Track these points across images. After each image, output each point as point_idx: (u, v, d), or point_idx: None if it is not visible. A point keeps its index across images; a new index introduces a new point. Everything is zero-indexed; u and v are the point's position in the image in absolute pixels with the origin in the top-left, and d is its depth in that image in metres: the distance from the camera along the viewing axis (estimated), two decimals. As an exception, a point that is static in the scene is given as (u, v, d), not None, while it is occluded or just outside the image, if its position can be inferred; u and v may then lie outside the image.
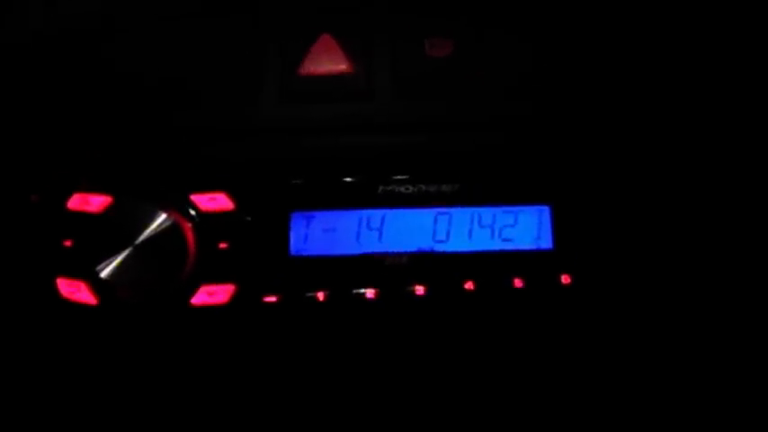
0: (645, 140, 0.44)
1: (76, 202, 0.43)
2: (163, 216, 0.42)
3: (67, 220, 0.43)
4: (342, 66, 0.45)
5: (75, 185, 0.44)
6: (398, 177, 0.44)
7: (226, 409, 0.44)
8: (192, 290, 0.43)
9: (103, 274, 0.41)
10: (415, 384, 0.44)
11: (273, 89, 0.45)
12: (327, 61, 0.45)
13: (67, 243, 0.43)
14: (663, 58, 0.45)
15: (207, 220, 0.43)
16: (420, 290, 0.44)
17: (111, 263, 0.41)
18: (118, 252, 0.41)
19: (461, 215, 0.44)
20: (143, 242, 0.42)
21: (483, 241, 0.44)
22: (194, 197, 0.43)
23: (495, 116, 0.45)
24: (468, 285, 0.44)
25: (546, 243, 0.44)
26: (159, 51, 0.45)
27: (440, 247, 0.44)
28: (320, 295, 0.43)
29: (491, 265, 0.44)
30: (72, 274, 0.43)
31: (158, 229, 0.42)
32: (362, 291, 0.43)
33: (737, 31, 0.44)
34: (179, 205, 0.43)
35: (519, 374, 0.45)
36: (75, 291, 0.43)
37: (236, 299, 0.43)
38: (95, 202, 0.43)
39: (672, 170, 0.44)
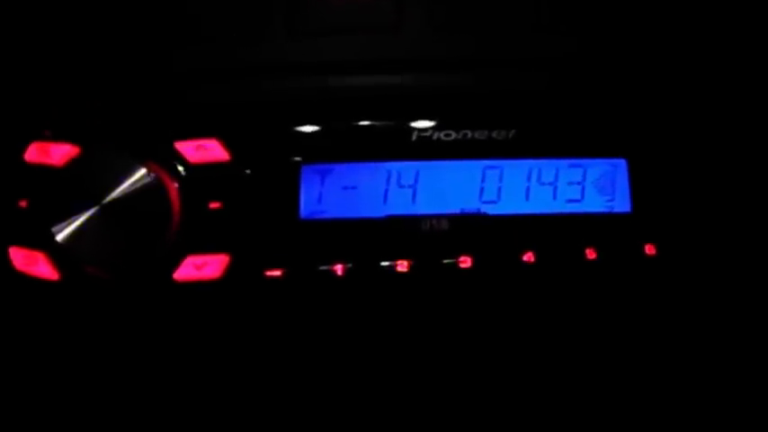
0: (737, 82, 0.40)
1: (35, 152, 0.38)
2: (140, 170, 0.37)
3: (23, 174, 0.38)
4: None
5: (34, 133, 0.39)
6: (436, 122, 0.39)
7: (215, 406, 0.39)
8: (176, 262, 0.38)
9: (60, 238, 0.36)
10: (460, 382, 0.39)
11: (281, 19, 0.40)
12: None
13: (23, 203, 0.38)
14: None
15: (195, 174, 0.38)
16: (465, 262, 0.38)
17: (71, 227, 0.36)
18: (80, 213, 0.36)
19: (516, 169, 0.39)
20: (115, 201, 0.36)
21: (543, 202, 0.39)
22: (180, 145, 0.38)
23: (553, 52, 0.40)
24: (527, 257, 0.38)
25: (623, 205, 0.39)
26: None
27: (489, 209, 0.39)
28: (338, 268, 0.38)
29: (554, 231, 0.39)
30: (28, 242, 0.38)
31: (134, 186, 0.37)
32: (392, 263, 0.38)
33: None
34: (160, 156, 0.38)
35: (595, 366, 0.40)
36: (31, 263, 0.38)
37: (230, 273, 0.38)
38: (58, 153, 0.38)
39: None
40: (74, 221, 0.36)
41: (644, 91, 0.40)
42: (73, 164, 0.37)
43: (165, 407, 0.39)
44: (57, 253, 0.37)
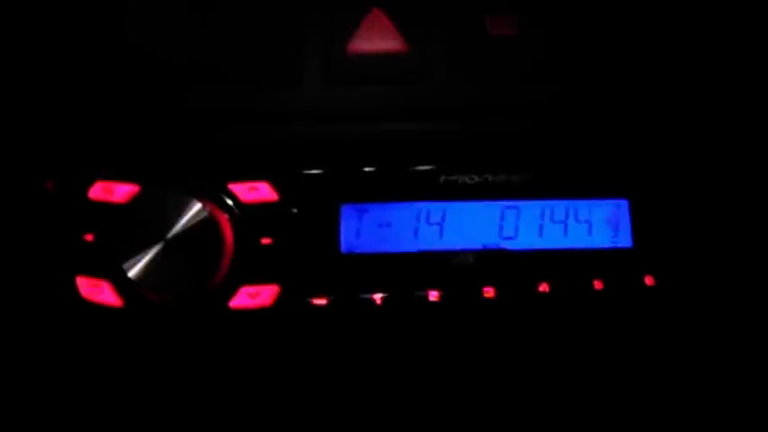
0: (731, 129, 0.42)
1: (99, 191, 0.40)
2: (197, 207, 0.38)
3: (89, 211, 0.40)
4: (394, 44, 0.42)
5: (98, 173, 0.40)
6: (461, 166, 0.41)
7: (268, 423, 0.41)
8: (231, 291, 0.39)
9: (131, 273, 0.38)
10: (486, 395, 0.41)
11: (318, 69, 0.42)
12: (378, 38, 0.42)
13: (88, 237, 0.40)
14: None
15: (247, 213, 0.40)
16: (489, 292, 0.40)
17: (139, 260, 0.38)
18: (146, 248, 0.38)
19: (531, 209, 0.41)
20: (175, 237, 0.38)
21: (555, 238, 0.41)
22: (233, 186, 0.40)
23: (565, 101, 0.42)
24: (543, 287, 0.40)
25: (625, 241, 0.41)
26: (194, 28, 0.42)
27: (508, 245, 0.41)
28: (377, 298, 0.40)
29: (566, 264, 0.41)
30: (94, 272, 0.39)
31: (192, 223, 0.38)
32: (424, 293, 0.40)
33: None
34: (216, 195, 0.40)
35: (603, 384, 0.42)
36: (97, 291, 0.39)
37: (280, 301, 0.39)
38: (120, 192, 0.40)
39: (763, 158, 0.42)
40: (141, 254, 0.38)
41: (644, 139, 0.42)
42: (134, 201, 0.39)
43: (222, 424, 0.41)
44: (121, 282, 0.39)
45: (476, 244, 0.41)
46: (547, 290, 0.40)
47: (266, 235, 0.40)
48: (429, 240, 0.40)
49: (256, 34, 0.42)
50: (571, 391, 0.41)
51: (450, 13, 0.42)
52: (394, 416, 0.41)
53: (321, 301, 0.40)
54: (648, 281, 0.41)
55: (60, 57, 0.41)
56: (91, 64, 0.41)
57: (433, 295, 0.40)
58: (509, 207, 0.41)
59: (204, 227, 0.38)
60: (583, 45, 0.42)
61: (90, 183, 0.40)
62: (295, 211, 0.40)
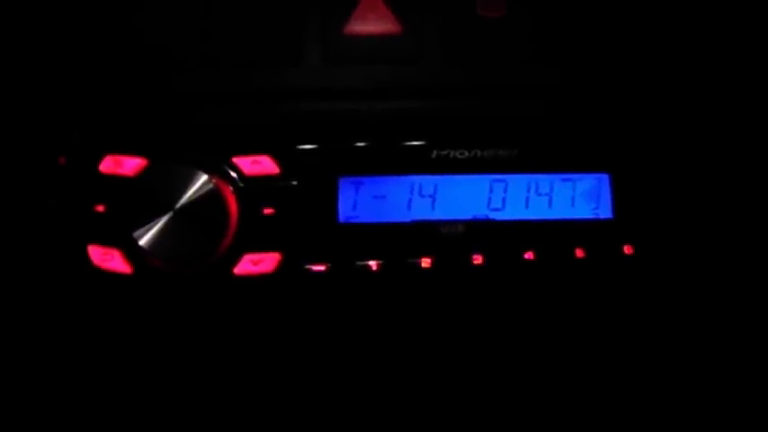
0: (706, 106, 0.44)
1: (109, 164, 0.41)
2: (203, 179, 0.40)
3: (99, 183, 0.41)
4: (389, 26, 0.44)
5: (108, 147, 0.42)
6: (452, 142, 0.43)
7: (271, 382, 0.43)
8: (236, 258, 0.41)
9: (143, 242, 0.39)
10: (475, 354, 0.44)
11: (317, 50, 0.43)
12: (374, 21, 0.44)
13: (100, 208, 0.41)
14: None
15: (251, 185, 0.41)
16: (478, 259, 0.42)
17: (148, 230, 0.39)
18: (155, 218, 0.40)
19: (518, 182, 0.43)
20: (182, 207, 0.40)
21: (540, 210, 0.43)
22: (237, 160, 0.41)
23: (551, 81, 0.44)
24: (528, 255, 0.42)
25: (606, 212, 0.43)
26: (202, 16, 0.43)
27: (496, 216, 0.43)
28: (372, 264, 0.42)
29: (550, 234, 0.43)
30: (105, 241, 0.41)
31: (198, 194, 0.40)
32: (416, 260, 0.42)
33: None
34: (221, 168, 0.41)
35: (583, 347, 0.44)
36: (108, 259, 0.41)
37: (282, 268, 0.41)
38: (129, 165, 0.41)
39: (735, 134, 0.43)
40: (150, 224, 0.39)
41: (624, 118, 0.43)
42: (143, 174, 0.40)
43: (232, 382, 0.42)
44: (131, 250, 0.40)
45: (465, 215, 0.42)
46: (532, 258, 0.42)
47: (268, 206, 0.41)
48: (421, 211, 0.42)
49: (259, 18, 0.43)
50: (552, 351, 0.44)
51: None
52: (388, 376, 0.43)
53: (320, 268, 0.41)
54: (627, 250, 0.43)
55: (73, 41, 0.42)
56: (101, 50, 0.42)
57: (426, 262, 0.42)
58: (497, 180, 0.43)
59: (210, 198, 0.40)
60: (567, 29, 0.44)
61: (100, 157, 0.41)
62: (295, 183, 0.42)
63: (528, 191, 0.43)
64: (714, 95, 0.44)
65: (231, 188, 0.41)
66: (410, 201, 0.42)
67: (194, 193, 0.40)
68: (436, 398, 0.43)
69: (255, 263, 0.41)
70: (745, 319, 0.43)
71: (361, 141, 0.42)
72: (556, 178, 0.43)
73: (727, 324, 0.43)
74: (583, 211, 0.43)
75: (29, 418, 0.42)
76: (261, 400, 0.43)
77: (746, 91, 0.44)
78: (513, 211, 0.43)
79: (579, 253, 0.42)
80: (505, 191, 0.43)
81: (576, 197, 0.43)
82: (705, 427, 0.43)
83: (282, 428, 0.43)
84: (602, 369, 0.44)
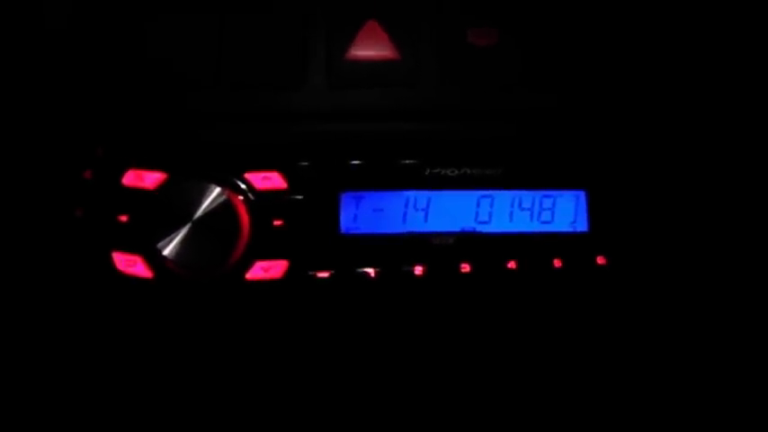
0: (675, 130, 0.47)
1: (131, 178, 0.44)
2: (218, 193, 0.43)
3: (122, 195, 0.44)
4: (388, 52, 0.46)
5: (130, 162, 0.44)
6: (443, 161, 0.45)
7: (279, 377, 0.46)
8: (247, 265, 0.44)
9: (166, 252, 0.42)
10: (463, 352, 0.47)
11: (320, 74, 0.46)
12: (374, 47, 0.46)
13: (123, 218, 0.44)
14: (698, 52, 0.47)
15: (261, 199, 0.44)
16: (466, 267, 0.45)
17: (170, 238, 0.42)
18: (174, 228, 0.42)
19: (503, 198, 0.46)
20: (198, 219, 0.42)
21: (523, 223, 0.46)
22: (249, 176, 0.44)
23: (535, 106, 0.46)
24: (511, 264, 0.45)
25: (582, 226, 0.46)
26: (210, 38, 0.46)
27: (482, 228, 0.46)
28: (371, 272, 0.45)
29: (531, 245, 0.46)
30: (128, 248, 0.44)
31: (213, 206, 0.43)
32: (410, 268, 0.45)
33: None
34: (234, 183, 0.44)
35: (560, 347, 0.47)
36: (131, 265, 0.44)
37: (289, 274, 0.44)
38: (150, 179, 0.44)
39: (701, 156, 0.46)
40: (170, 233, 0.42)
41: (600, 140, 0.46)
42: (162, 187, 0.44)
43: (243, 377, 0.45)
44: (152, 257, 0.43)
45: (455, 227, 0.45)
46: (514, 267, 0.45)
47: (277, 217, 0.44)
48: (415, 223, 0.45)
49: (267, 45, 0.46)
50: (532, 351, 0.47)
51: (438, 25, 0.46)
52: (384, 371, 0.46)
53: (324, 275, 0.44)
54: (600, 261, 0.46)
55: (98, 68, 0.45)
56: (124, 75, 0.45)
57: (419, 270, 0.45)
58: (484, 196, 0.46)
59: (224, 210, 0.43)
60: (551, 59, 0.47)
61: (123, 171, 0.44)
62: (301, 197, 0.45)
63: (512, 206, 0.46)
64: (680, 120, 0.47)
65: (243, 201, 0.44)
66: (405, 214, 0.45)
67: (209, 205, 0.43)
68: (428, 390, 0.47)
69: (266, 269, 0.44)
70: (711, 322, 0.47)
71: (361, 160, 0.45)
72: (537, 194, 0.46)
73: (693, 327, 0.47)
74: (561, 225, 0.46)
75: (54, 413, 0.45)
76: (270, 392, 0.46)
77: (710, 115, 0.47)
78: (499, 224, 0.46)
79: (557, 263, 0.45)
80: (491, 206, 0.46)
81: (556, 212, 0.46)
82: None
83: (289, 416, 0.46)
84: (576, 367, 0.47)
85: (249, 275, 0.44)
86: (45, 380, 0.45)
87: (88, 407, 0.46)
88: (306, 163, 0.45)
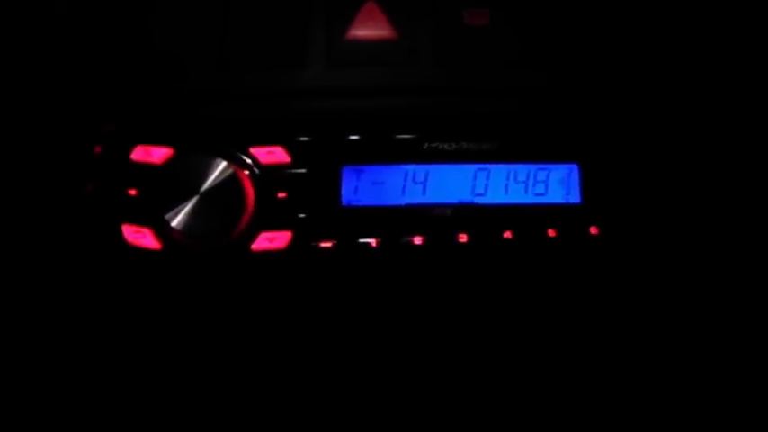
0: (663, 106, 0.48)
1: (139, 153, 0.45)
2: (224, 167, 0.44)
3: (131, 170, 0.45)
4: (386, 32, 0.47)
5: (138, 138, 0.45)
6: (441, 136, 0.47)
7: (287, 347, 0.48)
8: (253, 236, 0.45)
9: (174, 224, 0.43)
10: (460, 320, 0.48)
11: (321, 53, 0.47)
12: (372, 27, 0.47)
13: (132, 192, 0.45)
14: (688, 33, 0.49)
15: (266, 172, 0.45)
16: (463, 238, 0.47)
17: (178, 211, 0.44)
18: (182, 201, 0.44)
19: (499, 171, 0.47)
20: (205, 192, 0.44)
21: (518, 195, 0.47)
22: (254, 150, 0.45)
23: (529, 83, 0.48)
24: (507, 234, 0.47)
25: (575, 198, 0.48)
26: (215, 19, 0.48)
27: (479, 200, 0.47)
28: (372, 242, 0.46)
29: (526, 216, 0.47)
30: (137, 221, 0.45)
31: (219, 180, 0.44)
32: (410, 238, 0.46)
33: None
34: (239, 158, 0.45)
35: (554, 314, 0.49)
36: (140, 237, 0.45)
37: (293, 244, 0.45)
38: (158, 154, 0.45)
39: (689, 130, 0.48)
40: (179, 206, 0.44)
41: (592, 115, 0.47)
42: (170, 162, 0.45)
43: (249, 346, 0.47)
44: (160, 229, 0.44)
45: (452, 199, 0.47)
46: (510, 237, 0.47)
47: (281, 190, 0.45)
48: (414, 196, 0.47)
49: (269, 26, 0.47)
50: (526, 318, 0.49)
51: (434, 5, 0.47)
52: (386, 338, 0.48)
53: (326, 245, 0.46)
54: (593, 231, 0.47)
55: (109, 49, 0.47)
56: (133, 55, 0.46)
57: (418, 240, 0.46)
58: (480, 169, 0.47)
59: (230, 183, 0.44)
60: (543, 37, 0.48)
61: (132, 147, 0.45)
62: (304, 171, 0.46)
63: (507, 179, 0.47)
64: (668, 97, 0.49)
65: (248, 175, 0.45)
66: (404, 187, 0.46)
67: (216, 178, 0.44)
68: (429, 357, 0.48)
69: (270, 240, 0.45)
70: (701, 288, 0.49)
71: (361, 135, 0.46)
72: (532, 168, 0.47)
73: (683, 294, 0.49)
74: (555, 197, 0.47)
75: (66, 388, 0.47)
76: (275, 358, 0.48)
77: (699, 90, 0.49)
78: (494, 197, 0.47)
79: (551, 233, 0.47)
80: (488, 178, 0.47)
81: (549, 184, 0.47)
82: (669, 402, 0.48)
83: (293, 381, 0.48)
84: (570, 333, 0.49)
85: (254, 246, 0.45)
86: (57, 352, 0.47)
87: (100, 377, 0.47)
88: (308, 138, 0.46)
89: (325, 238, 0.46)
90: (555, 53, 0.47)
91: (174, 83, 0.46)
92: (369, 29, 0.48)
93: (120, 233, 0.45)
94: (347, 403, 0.48)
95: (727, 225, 0.48)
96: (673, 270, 0.48)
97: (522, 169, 0.47)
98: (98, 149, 0.45)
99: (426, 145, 0.47)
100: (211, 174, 0.44)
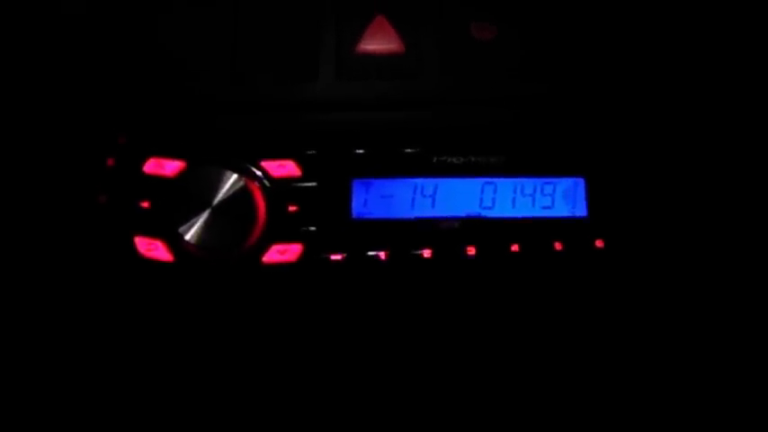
0: (669, 119, 0.48)
1: (152, 166, 0.46)
2: (236, 180, 0.44)
3: (144, 182, 0.45)
4: (395, 46, 0.48)
5: (151, 150, 0.46)
6: (449, 149, 0.47)
7: (299, 358, 0.48)
8: (264, 249, 0.46)
9: (187, 236, 0.44)
10: (468, 331, 0.49)
11: (331, 66, 0.47)
12: (382, 41, 0.48)
13: (144, 204, 0.45)
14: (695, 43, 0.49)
15: (277, 185, 0.46)
16: (471, 251, 0.47)
17: (192, 224, 0.44)
18: (194, 213, 0.44)
19: (506, 185, 0.47)
20: (217, 204, 0.44)
21: (525, 208, 0.48)
22: (265, 163, 0.46)
23: (535, 95, 0.48)
24: (514, 247, 0.47)
25: (581, 211, 0.48)
26: (226, 33, 0.48)
27: (486, 213, 0.47)
28: (381, 254, 0.47)
29: (533, 230, 0.47)
30: (149, 233, 0.45)
31: (231, 193, 0.44)
32: (419, 251, 0.47)
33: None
34: (251, 171, 0.46)
35: (560, 325, 0.49)
36: (152, 248, 0.45)
37: (304, 257, 0.46)
38: (170, 167, 0.45)
39: (695, 144, 0.48)
40: (191, 219, 0.44)
41: (598, 129, 0.47)
42: (182, 175, 0.45)
43: (261, 354, 0.47)
44: (172, 241, 0.45)
45: (461, 212, 0.47)
46: (517, 250, 0.47)
47: (292, 203, 0.46)
48: (423, 209, 0.47)
49: (280, 39, 0.48)
50: (532, 329, 0.49)
51: (442, 20, 0.48)
52: (395, 348, 0.49)
53: (337, 257, 0.46)
54: (599, 244, 0.47)
55: (123, 62, 0.47)
56: (146, 69, 0.47)
57: (427, 253, 0.47)
58: (488, 183, 0.47)
59: (241, 196, 0.44)
60: (549, 50, 0.49)
61: (145, 159, 0.46)
62: (315, 184, 0.46)
63: (514, 192, 0.47)
64: (674, 109, 0.49)
65: (260, 188, 0.45)
66: (413, 200, 0.47)
67: (227, 191, 0.44)
68: (436, 365, 0.49)
69: (281, 252, 0.46)
70: (707, 301, 0.49)
71: (371, 148, 0.47)
72: (538, 181, 0.47)
73: (689, 307, 0.49)
74: (561, 210, 0.47)
75: (76, 394, 0.47)
76: (286, 367, 0.48)
77: (705, 102, 0.49)
78: (502, 210, 0.47)
79: (558, 246, 0.47)
80: (495, 192, 0.47)
81: (556, 198, 0.47)
82: (672, 407, 0.48)
83: (302, 387, 0.48)
84: (575, 344, 0.49)
85: (266, 258, 0.45)
86: (68, 362, 0.48)
87: (112, 388, 0.48)
88: (318, 152, 0.46)
89: (336, 251, 0.46)
90: (562, 66, 0.48)
91: (187, 96, 0.47)
92: (378, 42, 0.48)
93: (132, 245, 0.45)
94: (358, 414, 0.48)
95: (734, 239, 0.48)
96: (678, 284, 0.48)
97: (528, 183, 0.47)
98: (111, 162, 0.46)
99: (435, 158, 0.47)
100: (223, 186, 0.44)
